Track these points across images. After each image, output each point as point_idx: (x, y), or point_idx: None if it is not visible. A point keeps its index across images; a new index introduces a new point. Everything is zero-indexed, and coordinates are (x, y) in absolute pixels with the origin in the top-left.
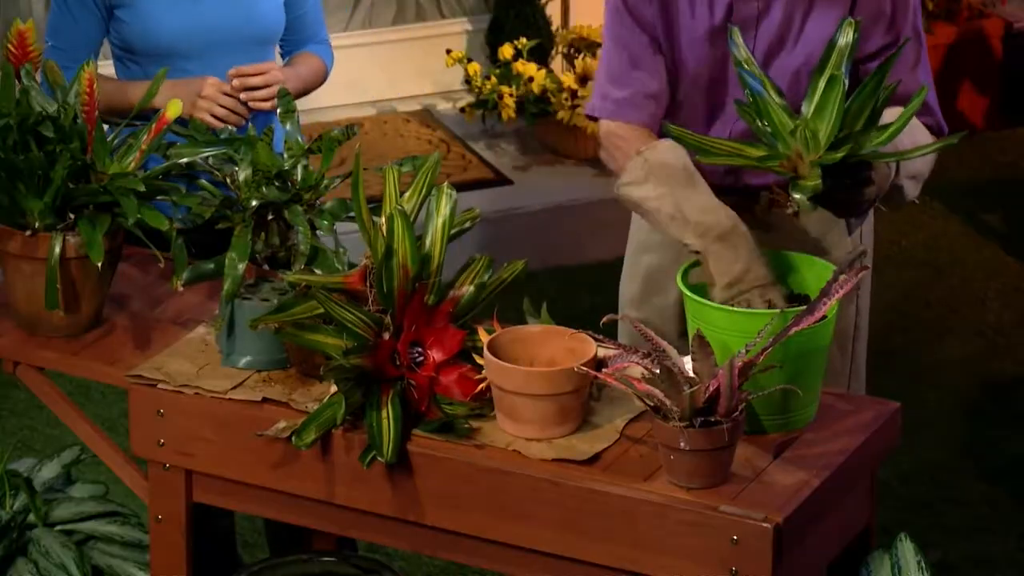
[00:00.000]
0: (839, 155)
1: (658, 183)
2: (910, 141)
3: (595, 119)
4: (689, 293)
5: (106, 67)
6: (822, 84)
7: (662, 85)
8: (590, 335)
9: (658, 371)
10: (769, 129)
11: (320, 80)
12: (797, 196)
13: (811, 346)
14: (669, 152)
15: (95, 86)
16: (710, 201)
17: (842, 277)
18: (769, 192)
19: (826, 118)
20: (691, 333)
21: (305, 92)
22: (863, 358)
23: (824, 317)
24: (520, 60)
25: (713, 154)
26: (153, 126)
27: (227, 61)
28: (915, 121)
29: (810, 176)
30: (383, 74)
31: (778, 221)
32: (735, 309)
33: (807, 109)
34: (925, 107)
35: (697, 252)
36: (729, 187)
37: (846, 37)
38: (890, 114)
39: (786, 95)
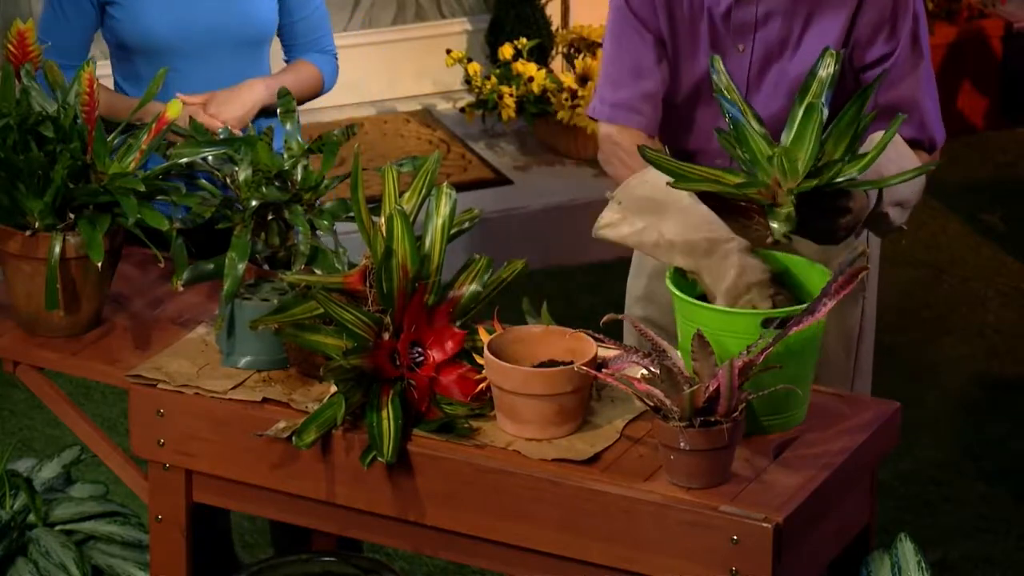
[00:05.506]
0: (814, 183)
1: (635, 219)
2: (896, 168)
3: (595, 120)
4: (679, 293)
5: (104, 67)
6: (801, 112)
7: (659, 87)
8: (590, 335)
9: (658, 371)
10: (747, 156)
11: (313, 91)
12: (774, 225)
13: (806, 345)
14: (639, 187)
15: (95, 86)
16: (688, 218)
17: (841, 277)
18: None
19: (804, 146)
20: (681, 334)
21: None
22: (869, 358)
23: None
24: (520, 60)
25: (690, 180)
26: (153, 126)
27: (219, 60)
28: (902, 146)
29: (784, 204)
30: (383, 74)
31: None
32: (724, 308)
33: (786, 137)
34: (919, 122)
35: (692, 271)
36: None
37: (827, 68)
38: (877, 136)
39: (787, 102)
